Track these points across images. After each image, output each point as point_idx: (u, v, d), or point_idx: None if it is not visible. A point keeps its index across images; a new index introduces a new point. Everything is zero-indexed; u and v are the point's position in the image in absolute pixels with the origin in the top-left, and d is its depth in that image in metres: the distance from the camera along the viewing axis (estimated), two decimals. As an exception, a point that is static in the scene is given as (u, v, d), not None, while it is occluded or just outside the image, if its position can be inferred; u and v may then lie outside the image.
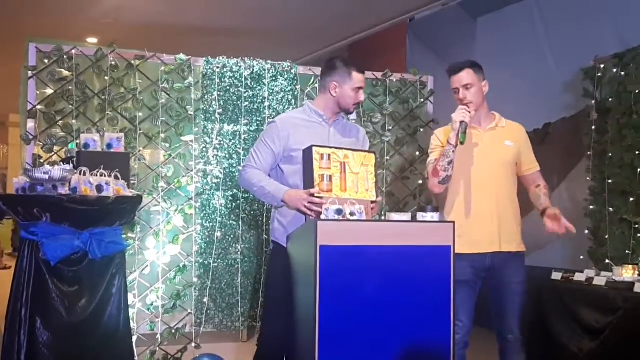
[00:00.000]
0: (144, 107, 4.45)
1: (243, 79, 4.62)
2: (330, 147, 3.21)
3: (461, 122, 3.24)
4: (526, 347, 3.49)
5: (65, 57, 4.29)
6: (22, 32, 5.05)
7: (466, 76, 3.35)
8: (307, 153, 3.18)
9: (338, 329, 2.87)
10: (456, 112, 3.28)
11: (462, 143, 3.24)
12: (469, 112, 3.27)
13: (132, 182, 4.23)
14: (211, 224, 4.55)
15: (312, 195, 3.09)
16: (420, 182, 5.04)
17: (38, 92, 4.27)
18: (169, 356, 4.46)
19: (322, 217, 2.99)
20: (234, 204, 4.60)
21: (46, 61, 4.28)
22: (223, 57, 4.63)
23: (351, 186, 3.19)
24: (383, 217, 4.65)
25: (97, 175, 3.68)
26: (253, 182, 3.36)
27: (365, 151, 3.35)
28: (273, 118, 4.27)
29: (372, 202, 3.24)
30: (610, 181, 4.78)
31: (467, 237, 3.32)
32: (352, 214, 3.01)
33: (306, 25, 7.99)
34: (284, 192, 3.24)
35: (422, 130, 5.07)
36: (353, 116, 3.72)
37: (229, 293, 4.59)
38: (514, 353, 3.41)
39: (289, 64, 4.76)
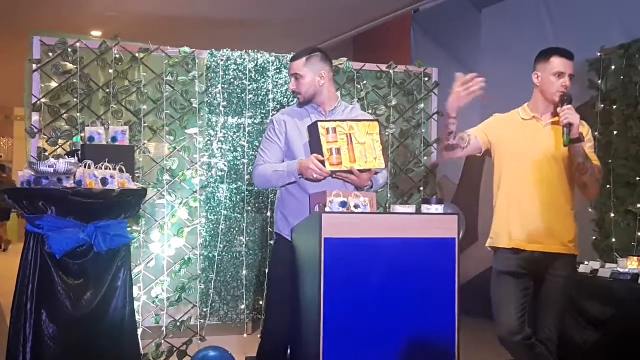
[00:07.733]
0: (148, 100, 4.45)
1: (247, 72, 4.62)
2: (335, 121, 3.23)
3: (570, 124, 3.12)
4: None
5: (69, 50, 4.28)
6: (27, 26, 5.05)
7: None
8: (313, 129, 3.21)
9: (343, 321, 2.88)
10: (567, 111, 3.13)
11: (565, 145, 3.14)
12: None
13: (136, 175, 4.23)
14: (216, 217, 4.56)
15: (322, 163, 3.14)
16: (425, 174, 5.03)
17: (42, 86, 4.26)
18: (174, 349, 4.47)
19: (327, 209, 2.99)
20: (238, 197, 4.61)
21: (50, 54, 4.27)
22: (227, 50, 4.62)
23: (359, 156, 3.21)
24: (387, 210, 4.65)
25: (102, 169, 3.68)
26: (267, 173, 3.39)
27: (368, 120, 3.37)
28: (277, 111, 4.29)
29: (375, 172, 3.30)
30: (615, 172, 4.77)
31: (510, 233, 3.31)
32: (356, 206, 3.02)
33: (310, 17, 7.98)
34: (297, 164, 3.28)
35: (426, 122, 5.06)
36: (356, 106, 3.74)
37: (234, 286, 4.60)
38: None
39: (293, 57, 4.74)
